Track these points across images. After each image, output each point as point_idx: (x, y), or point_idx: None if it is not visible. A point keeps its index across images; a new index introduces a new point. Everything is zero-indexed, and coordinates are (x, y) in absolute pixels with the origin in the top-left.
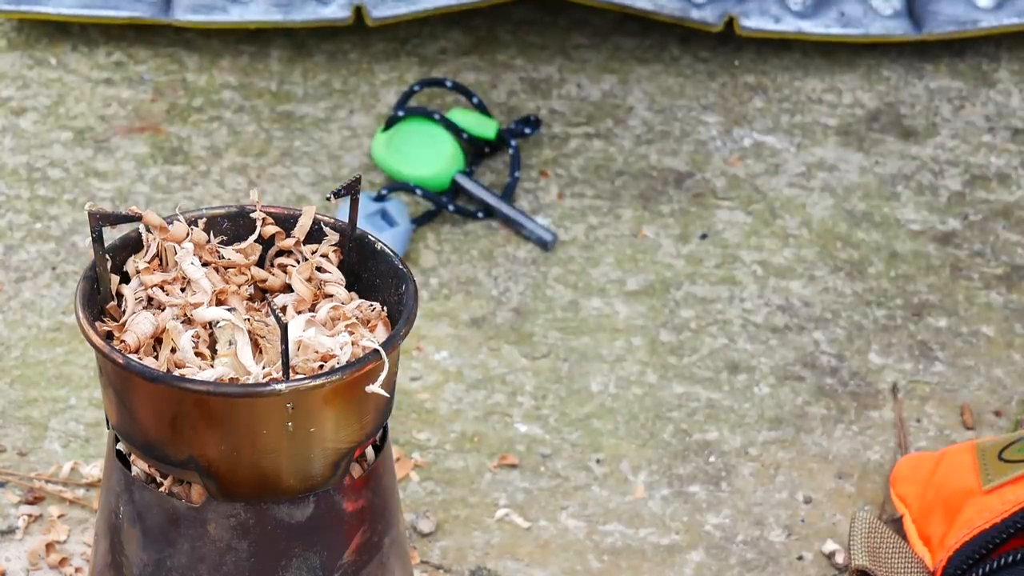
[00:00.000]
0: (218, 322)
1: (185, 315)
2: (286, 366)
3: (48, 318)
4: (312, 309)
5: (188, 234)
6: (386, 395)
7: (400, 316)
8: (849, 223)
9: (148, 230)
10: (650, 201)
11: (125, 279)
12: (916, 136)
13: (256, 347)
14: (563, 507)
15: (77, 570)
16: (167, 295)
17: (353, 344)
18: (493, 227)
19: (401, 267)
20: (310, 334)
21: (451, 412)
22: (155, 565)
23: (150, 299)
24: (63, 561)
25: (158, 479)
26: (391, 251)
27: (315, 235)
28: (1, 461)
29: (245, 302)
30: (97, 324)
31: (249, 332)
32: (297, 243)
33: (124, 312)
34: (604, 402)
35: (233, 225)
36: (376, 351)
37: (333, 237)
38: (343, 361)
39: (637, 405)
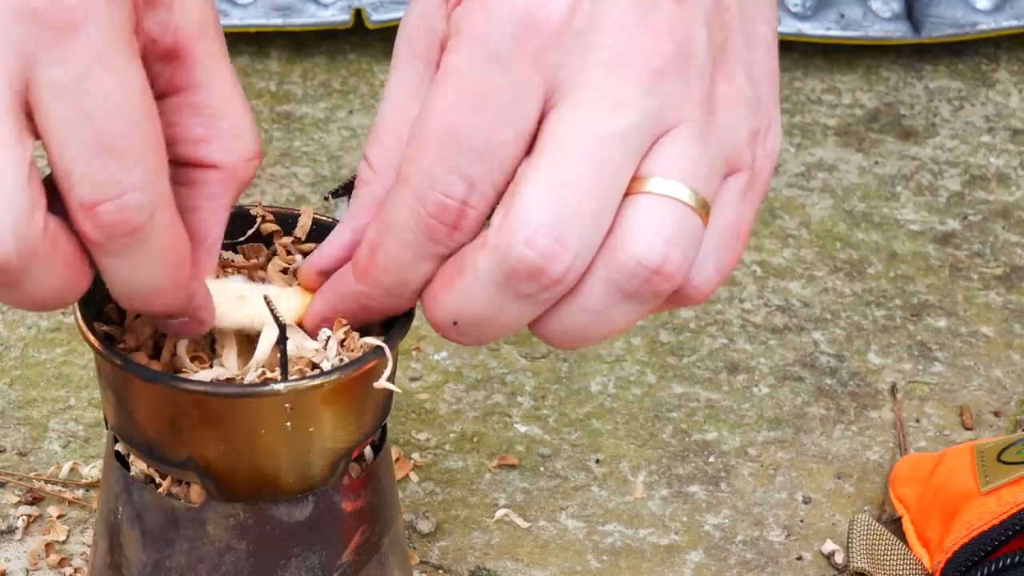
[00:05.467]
0: None
1: None
2: (284, 366)
3: (48, 318)
4: None
5: None
6: (396, 389)
7: (399, 316)
8: (848, 223)
9: None
10: None
11: None
12: (915, 136)
13: (252, 349)
14: (563, 507)
15: (76, 570)
16: None
17: (343, 344)
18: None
19: None
20: (297, 341)
21: (450, 412)
22: (154, 565)
23: None
24: (63, 561)
25: (157, 479)
26: None
27: (314, 235)
28: (1, 461)
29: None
30: (96, 324)
31: (247, 334)
32: (294, 241)
33: (124, 314)
34: (604, 402)
35: (232, 225)
36: (374, 350)
37: None
38: (330, 357)
39: (637, 405)
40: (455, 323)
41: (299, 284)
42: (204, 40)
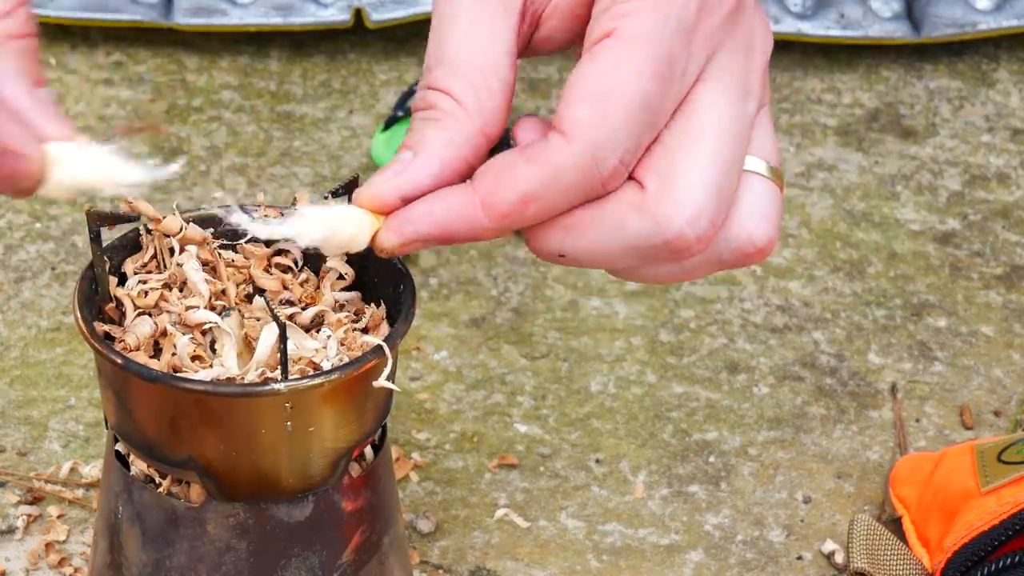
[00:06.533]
0: (216, 324)
1: (180, 318)
2: (284, 366)
3: (48, 318)
4: (305, 309)
5: (182, 228)
6: (396, 388)
7: (399, 315)
8: (848, 223)
9: (148, 231)
10: None
11: (123, 279)
12: (915, 136)
13: (251, 348)
14: (563, 507)
15: (76, 570)
16: (164, 300)
17: (342, 343)
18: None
19: (400, 267)
20: (297, 340)
21: (451, 412)
22: (154, 565)
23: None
24: (63, 561)
25: (157, 479)
26: None
27: None
28: (1, 461)
29: (242, 303)
30: (95, 324)
31: (246, 334)
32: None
33: (123, 313)
34: (604, 402)
35: (232, 225)
36: (374, 349)
37: None
38: (330, 356)
39: (637, 405)
40: (562, 256)
41: (362, 204)
42: None
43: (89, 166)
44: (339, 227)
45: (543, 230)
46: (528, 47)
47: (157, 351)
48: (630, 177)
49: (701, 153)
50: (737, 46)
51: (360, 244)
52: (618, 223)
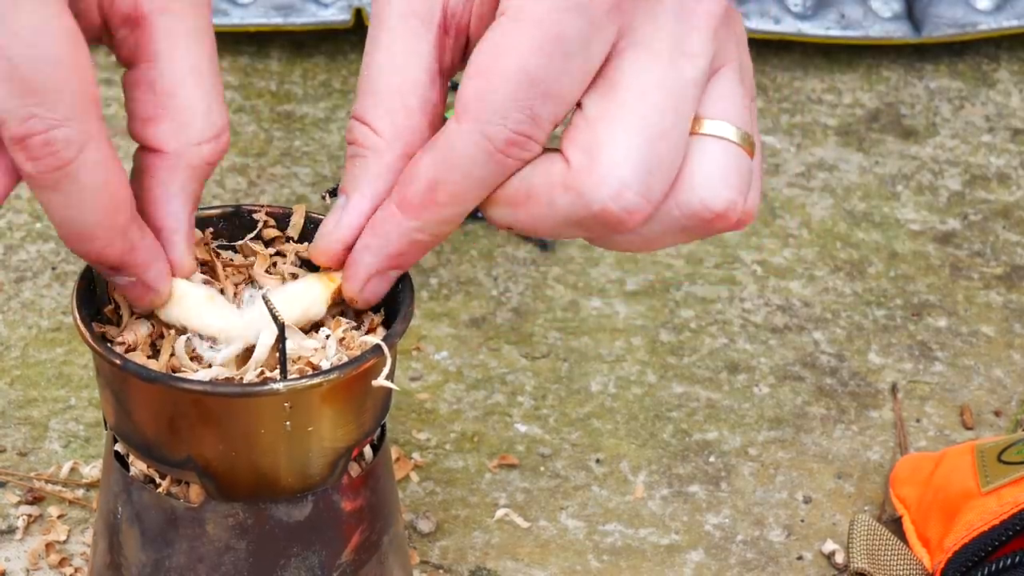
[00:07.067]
0: None
1: None
2: (283, 365)
3: (48, 318)
4: None
5: None
6: (395, 387)
7: (398, 315)
8: (849, 223)
9: None
10: None
11: None
12: (916, 136)
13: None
14: (563, 507)
15: (77, 570)
16: None
17: (341, 342)
18: (492, 227)
19: None
20: (296, 340)
21: (451, 412)
22: (153, 565)
23: None
24: (63, 561)
25: (156, 479)
26: None
27: (308, 234)
28: (1, 461)
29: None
30: (94, 324)
31: None
32: (278, 239)
33: (121, 315)
34: (604, 402)
35: (230, 225)
36: (373, 348)
37: None
38: (330, 355)
39: (637, 405)
40: (511, 227)
41: (315, 261)
42: (167, 14)
43: (202, 314)
44: (286, 312)
45: (487, 206)
46: (464, 59)
47: (156, 352)
48: (560, 152)
49: (624, 124)
50: (663, 10)
51: (317, 314)
52: (547, 199)
